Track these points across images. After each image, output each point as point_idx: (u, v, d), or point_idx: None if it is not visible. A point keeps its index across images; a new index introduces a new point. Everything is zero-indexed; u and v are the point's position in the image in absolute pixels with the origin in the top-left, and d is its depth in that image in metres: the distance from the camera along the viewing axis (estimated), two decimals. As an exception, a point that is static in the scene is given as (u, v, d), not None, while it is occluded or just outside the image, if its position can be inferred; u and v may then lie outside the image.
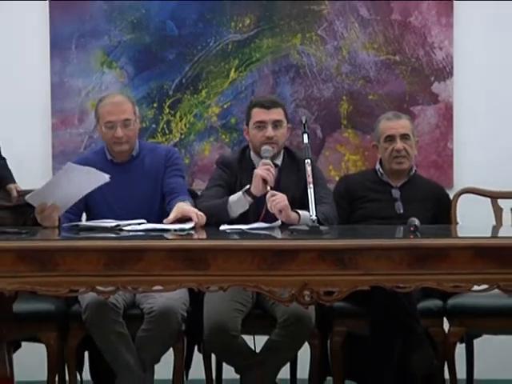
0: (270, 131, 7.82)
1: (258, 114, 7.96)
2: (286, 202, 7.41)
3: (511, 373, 8.42)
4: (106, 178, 7.33)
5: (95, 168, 7.75)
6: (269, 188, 7.54)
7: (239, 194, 7.68)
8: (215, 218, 7.50)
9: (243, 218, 7.63)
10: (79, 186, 7.52)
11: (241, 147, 8.20)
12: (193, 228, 7.31)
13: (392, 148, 8.12)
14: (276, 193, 7.45)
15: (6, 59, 8.77)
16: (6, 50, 8.91)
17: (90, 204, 8.01)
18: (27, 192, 7.58)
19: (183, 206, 7.57)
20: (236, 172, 8.02)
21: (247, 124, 8.09)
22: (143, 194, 8.02)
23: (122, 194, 7.94)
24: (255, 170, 7.65)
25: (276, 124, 7.87)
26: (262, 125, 7.89)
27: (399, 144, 8.09)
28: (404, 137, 8.13)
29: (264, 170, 7.60)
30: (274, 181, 7.64)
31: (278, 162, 7.94)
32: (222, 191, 7.87)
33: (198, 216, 7.36)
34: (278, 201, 7.37)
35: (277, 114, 7.92)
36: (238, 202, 7.64)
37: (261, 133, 7.85)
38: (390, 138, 8.14)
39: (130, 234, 7.34)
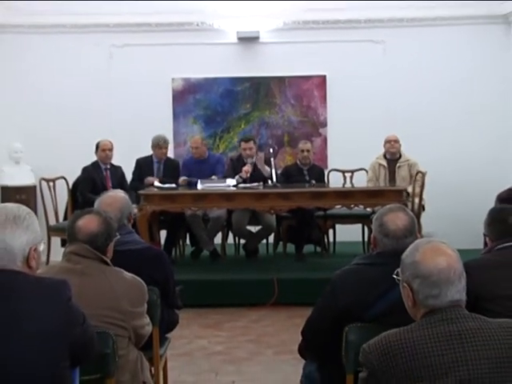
0: (248, 153, 7.55)
1: (243, 145, 7.65)
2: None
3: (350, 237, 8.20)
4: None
5: (189, 161, 8.05)
6: (248, 175, 7.42)
7: (237, 176, 7.44)
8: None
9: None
10: None
11: (238, 153, 7.89)
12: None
13: (303, 155, 7.87)
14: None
15: (152, 123, 8.53)
16: (165, 118, 8.80)
17: (190, 176, 7.69)
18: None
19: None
20: (235, 163, 7.71)
21: (240, 145, 7.79)
22: (209, 173, 7.68)
23: (199, 173, 7.61)
24: (243, 167, 7.49)
25: (250, 148, 7.55)
26: (245, 149, 7.58)
27: (305, 154, 7.85)
28: (307, 151, 7.87)
29: (246, 168, 7.45)
30: (250, 171, 7.47)
31: (254, 159, 7.58)
32: (231, 173, 7.56)
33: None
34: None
35: (250, 144, 7.59)
36: (237, 179, 7.38)
37: (245, 152, 7.56)
38: (302, 151, 7.87)
39: (203, 187, 7.17)
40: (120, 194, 3.90)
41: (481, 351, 2.00)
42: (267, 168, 7.54)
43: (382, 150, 7.95)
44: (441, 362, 2.00)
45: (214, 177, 7.69)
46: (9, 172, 8.53)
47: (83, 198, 7.38)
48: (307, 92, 9.09)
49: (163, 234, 7.73)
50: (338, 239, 8.21)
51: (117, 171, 7.83)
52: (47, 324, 2.22)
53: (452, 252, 2.18)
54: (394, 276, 2.30)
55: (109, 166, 7.76)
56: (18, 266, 2.25)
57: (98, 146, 7.69)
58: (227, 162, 8.07)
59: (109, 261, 3.07)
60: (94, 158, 7.74)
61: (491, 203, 4.75)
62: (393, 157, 7.88)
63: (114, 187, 7.15)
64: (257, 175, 7.54)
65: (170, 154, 8.53)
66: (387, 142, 7.90)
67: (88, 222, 3.05)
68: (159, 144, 7.77)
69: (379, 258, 2.91)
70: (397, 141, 7.86)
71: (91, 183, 7.51)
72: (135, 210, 5.34)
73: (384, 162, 7.90)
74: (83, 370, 2.59)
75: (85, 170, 7.69)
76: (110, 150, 7.70)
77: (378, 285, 2.76)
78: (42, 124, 8.69)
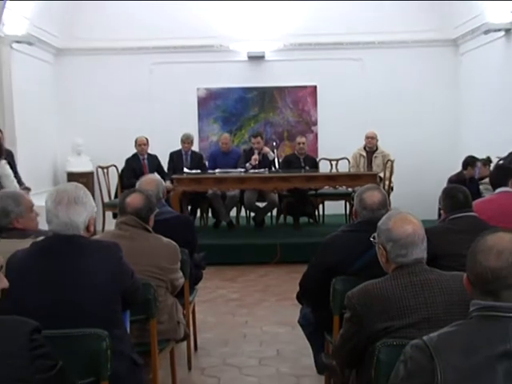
0: (257, 146, 7.49)
1: (253, 140, 7.61)
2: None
3: (335, 210, 8.23)
4: None
5: (216, 152, 7.93)
6: (256, 162, 7.33)
7: (248, 163, 7.37)
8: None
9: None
10: None
11: (250, 146, 7.82)
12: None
13: (299, 147, 7.74)
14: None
15: (182, 122, 8.53)
16: (192, 119, 8.74)
17: (216, 165, 7.57)
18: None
19: None
20: (247, 153, 7.57)
21: (250, 140, 7.84)
22: (231, 162, 7.57)
23: (224, 162, 7.54)
24: (253, 156, 7.38)
25: (258, 142, 7.49)
26: (254, 143, 7.54)
27: (301, 146, 7.72)
28: (303, 143, 7.75)
29: (255, 156, 7.36)
30: (258, 160, 7.36)
31: (262, 152, 7.49)
32: (244, 160, 7.46)
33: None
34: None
35: (258, 139, 7.53)
36: (247, 166, 7.30)
37: (255, 145, 7.49)
38: (299, 144, 7.74)
39: (223, 173, 7.12)
40: (156, 176, 3.98)
41: (437, 296, 2.01)
42: (271, 153, 7.47)
43: (361, 144, 7.90)
44: (406, 304, 2.01)
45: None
46: (73, 161, 8.58)
47: (128, 182, 7.33)
48: (302, 98, 9.02)
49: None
50: (326, 212, 8.17)
51: (153, 159, 7.84)
52: (105, 276, 2.24)
53: (416, 221, 2.18)
54: (371, 239, 2.30)
55: (146, 156, 7.78)
56: (81, 232, 2.27)
57: (136, 142, 7.75)
58: (242, 154, 8.03)
59: (150, 229, 3.07)
60: (135, 151, 7.81)
61: (443, 184, 4.72)
62: (371, 149, 7.83)
63: (151, 172, 7.20)
64: (263, 163, 7.48)
65: (196, 146, 8.45)
66: (367, 137, 7.83)
67: (134, 199, 3.05)
68: (183, 139, 7.78)
69: (359, 226, 2.90)
70: (373, 137, 7.81)
71: (132, 170, 7.53)
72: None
73: (364, 153, 7.84)
74: (132, 312, 2.61)
75: (127, 161, 7.74)
76: (145, 144, 7.74)
77: (358, 246, 2.75)
78: (98, 124, 8.68)
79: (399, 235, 2.12)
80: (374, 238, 2.26)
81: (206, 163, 7.93)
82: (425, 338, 1.50)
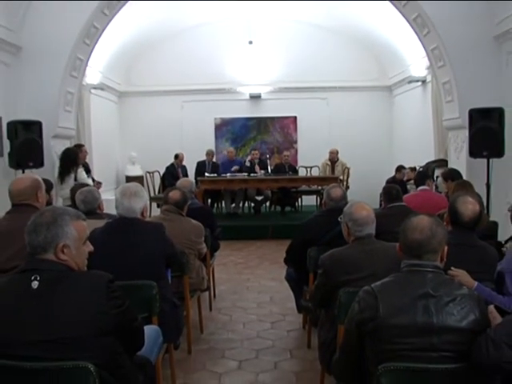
0: (255, 155, 7.41)
1: (254, 152, 7.52)
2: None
3: (309, 202, 8.12)
4: None
5: (225, 161, 7.60)
6: (249, 163, 7.20)
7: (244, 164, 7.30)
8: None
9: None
10: None
11: (250, 158, 7.63)
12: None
13: (285, 158, 7.61)
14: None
15: (205, 142, 8.50)
16: (211, 139, 8.69)
17: (225, 169, 7.43)
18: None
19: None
20: (247, 162, 7.43)
21: (251, 152, 7.68)
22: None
23: (230, 167, 7.41)
24: (247, 159, 7.30)
25: (256, 153, 7.43)
26: (254, 153, 7.46)
27: (287, 157, 7.63)
28: (288, 156, 7.66)
29: (249, 159, 7.27)
30: (250, 161, 7.25)
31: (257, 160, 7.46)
32: (247, 169, 7.32)
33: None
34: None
35: (257, 151, 7.48)
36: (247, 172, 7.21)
37: (254, 155, 7.41)
38: (285, 156, 7.67)
39: (233, 175, 7.01)
40: (189, 179, 4.00)
41: (381, 259, 2.02)
42: (261, 171, 7.26)
43: (327, 156, 7.87)
44: (360, 264, 2.02)
45: (235, 167, 7.43)
46: (129, 168, 8.58)
47: (169, 183, 7.31)
48: (286, 125, 8.98)
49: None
50: (303, 203, 8.10)
51: (184, 169, 7.83)
52: (154, 246, 2.25)
53: (369, 208, 2.20)
54: (339, 219, 2.29)
55: (180, 166, 7.78)
56: (138, 216, 2.28)
57: (177, 156, 7.73)
58: (243, 162, 7.93)
59: (184, 214, 3.09)
60: (171, 161, 7.76)
61: (382, 184, 4.75)
62: (333, 160, 7.78)
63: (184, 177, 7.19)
64: (253, 169, 7.35)
65: (214, 158, 8.43)
66: (330, 152, 7.77)
67: (174, 194, 3.07)
68: (208, 152, 7.78)
69: (327, 212, 2.91)
70: (334, 152, 7.74)
71: (171, 175, 7.50)
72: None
73: (329, 163, 7.78)
74: (172, 270, 2.62)
75: (167, 168, 7.72)
76: (182, 160, 7.75)
77: (326, 226, 2.77)
78: (146, 143, 8.69)
79: (357, 217, 2.13)
80: (340, 218, 2.26)
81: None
82: (372, 285, 1.53)
